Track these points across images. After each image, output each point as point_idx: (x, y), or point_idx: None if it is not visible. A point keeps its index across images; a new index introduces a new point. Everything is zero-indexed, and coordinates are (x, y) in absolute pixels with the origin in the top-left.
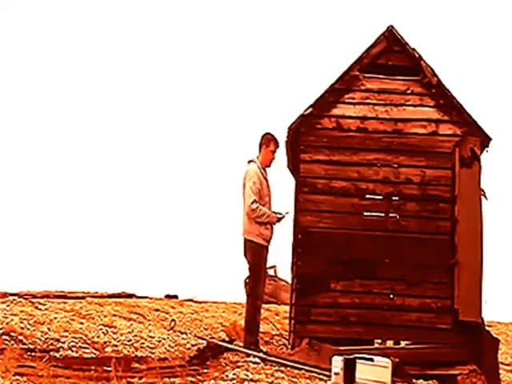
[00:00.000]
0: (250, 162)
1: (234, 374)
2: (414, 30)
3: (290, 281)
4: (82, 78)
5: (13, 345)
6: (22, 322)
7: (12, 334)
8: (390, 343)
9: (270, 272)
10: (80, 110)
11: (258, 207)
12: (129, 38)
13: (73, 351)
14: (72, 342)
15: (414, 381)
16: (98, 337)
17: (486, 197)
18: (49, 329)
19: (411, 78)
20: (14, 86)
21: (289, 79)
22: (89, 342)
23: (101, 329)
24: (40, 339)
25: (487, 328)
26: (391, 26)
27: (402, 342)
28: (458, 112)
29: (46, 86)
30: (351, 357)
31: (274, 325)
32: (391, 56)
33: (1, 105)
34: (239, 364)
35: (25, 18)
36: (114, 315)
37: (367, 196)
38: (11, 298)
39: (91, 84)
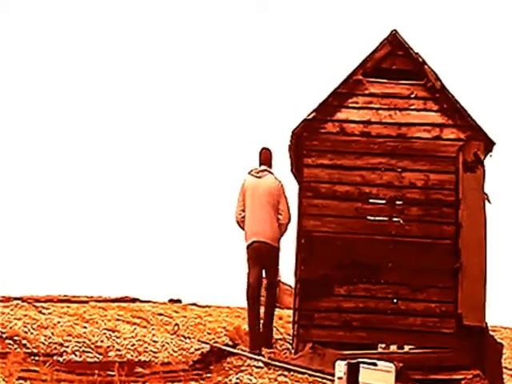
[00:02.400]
0: (270, 172)
1: (237, 378)
2: (418, 34)
3: (293, 285)
4: (82, 78)
5: (16, 349)
6: (25, 326)
7: (15, 337)
8: (393, 348)
9: None
10: (80, 111)
11: None
12: (130, 40)
13: (76, 355)
14: (75, 346)
15: None
16: (102, 341)
17: (489, 201)
18: (52, 333)
19: (415, 82)
20: (14, 85)
21: (292, 83)
22: (92, 346)
23: (104, 333)
24: (43, 343)
25: (491, 333)
26: (395, 31)
27: (405, 346)
28: (461, 116)
29: (46, 86)
30: (355, 361)
31: (277, 329)
32: (395, 60)
33: (0, 105)
34: (242, 368)
35: (25, 18)
36: (118, 319)
37: (371, 200)
38: (15, 302)
39: (91, 84)
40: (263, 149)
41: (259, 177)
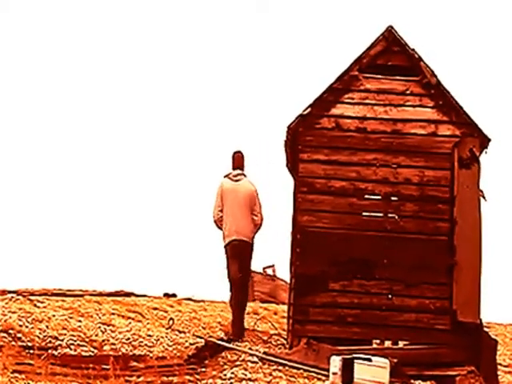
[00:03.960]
0: (245, 176)
1: (232, 373)
2: (414, 30)
3: (288, 280)
4: (80, 77)
5: (11, 342)
6: (20, 320)
7: (10, 331)
8: (388, 343)
9: (269, 271)
10: (79, 110)
11: None
12: (127, 39)
13: (71, 349)
14: (70, 339)
15: (411, 381)
16: (97, 335)
17: (484, 198)
18: (47, 326)
19: (410, 78)
20: (13, 85)
21: (288, 79)
22: (87, 340)
23: (99, 327)
24: (38, 337)
25: (485, 329)
26: (391, 27)
27: (400, 342)
28: (457, 113)
29: (46, 86)
30: (349, 357)
31: (272, 324)
32: (390, 56)
33: (0, 104)
34: (237, 363)
35: (25, 18)
36: (113, 313)
37: (366, 196)
38: (10, 295)
39: (90, 83)
40: (236, 152)
41: (237, 180)
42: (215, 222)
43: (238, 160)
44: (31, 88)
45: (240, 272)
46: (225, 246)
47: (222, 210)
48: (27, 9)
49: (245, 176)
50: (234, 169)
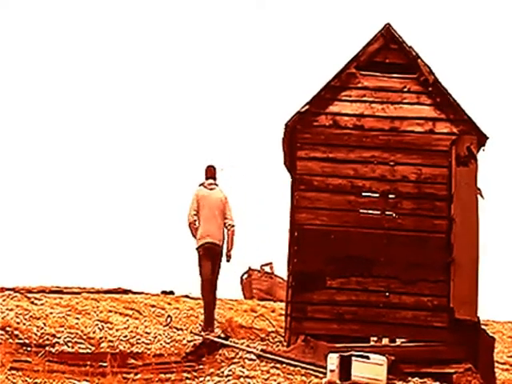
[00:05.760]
0: (217, 185)
1: (229, 370)
2: (412, 27)
3: (286, 278)
4: (78, 77)
5: (8, 339)
6: (17, 317)
7: (8, 328)
8: (385, 341)
9: (267, 269)
10: (78, 111)
11: None
12: (124, 34)
13: (68, 346)
14: (68, 337)
15: (409, 379)
16: (94, 332)
17: (482, 195)
18: (44, 324)
19: (408, 76)
20: (13, 82)
21: (286, 76)
22: (84, 337)
23: (96, 324)
24: (36, 334)
25: (483, 327)
26: (388, 24)
27: (397, 339)
28: (454, 110)
29: (44, 83)
30: (347, 354)
31: (270, 322)
32: (388, 54)
33: (0, 102)
34: (235, 360)
35: (24, 16)
36: (110, 311)
37: (363, 194)
38: (7, 292)
39: (88, 83)
40: (209, 166)
41: (211, 189)
42: (189, 224)
43: (210, 172)
44: (30, 85)
45: (212, 274)
46: (197, 248)
47: (196, 215)
48: (27, 6)
49: (217, 185)
50: (207, 179)
